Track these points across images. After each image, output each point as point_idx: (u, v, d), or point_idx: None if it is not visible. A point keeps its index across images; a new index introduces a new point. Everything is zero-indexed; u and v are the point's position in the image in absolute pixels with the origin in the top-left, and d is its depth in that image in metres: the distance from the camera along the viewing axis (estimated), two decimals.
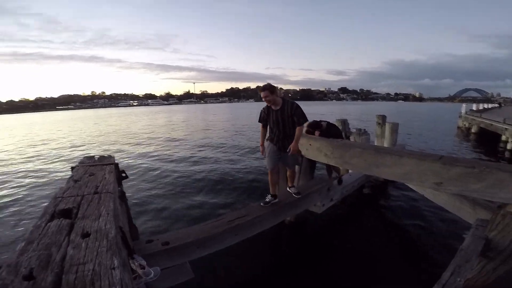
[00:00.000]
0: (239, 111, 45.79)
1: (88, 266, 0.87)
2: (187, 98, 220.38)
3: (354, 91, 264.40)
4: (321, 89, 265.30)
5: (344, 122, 5.86)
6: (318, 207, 3.50)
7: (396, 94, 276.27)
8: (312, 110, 36.80)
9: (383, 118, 6.57)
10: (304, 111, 2.78)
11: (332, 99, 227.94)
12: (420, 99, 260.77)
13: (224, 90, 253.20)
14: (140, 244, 2.07)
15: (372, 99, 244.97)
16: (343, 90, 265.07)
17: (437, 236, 3.66)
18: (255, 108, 61.48)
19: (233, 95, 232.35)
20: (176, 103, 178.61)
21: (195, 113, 42.81)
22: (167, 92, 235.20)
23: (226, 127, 18.92)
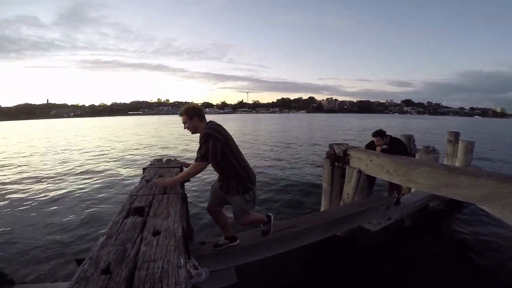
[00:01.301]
0: (289, 122, 45.68)
1: (158, 264, 0.93)
2: (240, 107, 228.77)
3: (420, 104, 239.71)
4: (381, 101, 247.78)
5: (410, 138, 5.35)
6: (373, 225, 3.33)
7: (471, 108, 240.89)
8: (370, 124, 34.63)
9: (455, 135, 5.84)
10: (208, 146, 1.83)
11: (394, 112, 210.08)
12: (502, 114, 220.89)
13: (275, 100, 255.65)
14: (193, 245, 2.18)
15: (442, 114, 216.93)
16: (407, 102, 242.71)
17: None
18: (306, 119, 60.84)
19: (283, 105, 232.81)
20: (230, 112, 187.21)
21: (246, 122, 44.17)
22: (222, 101, 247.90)
23: (282, 137, 19.00)
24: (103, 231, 1.27)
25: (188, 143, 15.07)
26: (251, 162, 8.99)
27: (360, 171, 3.50)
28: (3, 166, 9.76)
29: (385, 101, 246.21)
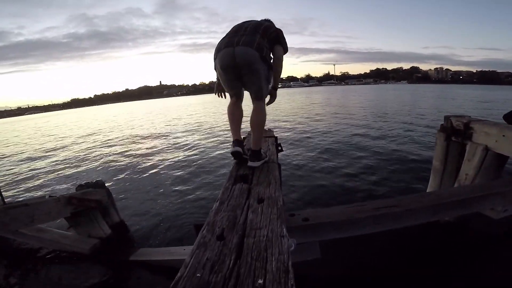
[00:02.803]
0: (387, 93, 40.30)
1: (263, 232, 0.96)
2: (326, 79, 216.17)
3: None
4: None
5: None
6: (496, 212, 2.67)
7: None
8: (498, 97, 27.16)
9: None
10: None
11: None
12: None
13: (368, 71, 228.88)
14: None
15: None
16: None
17: None
18: (408, 90, 52.15)
19: (379, 76, 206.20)
20: (316, 85, 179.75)
21: (332, 94, 41.52)
22: (307, 74, 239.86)
23: (378, 108, 17.23)
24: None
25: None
26: (339, 136, 8.61)
27: (487, 148, 2.83)
28: (135, 137, 12.39)
29: None
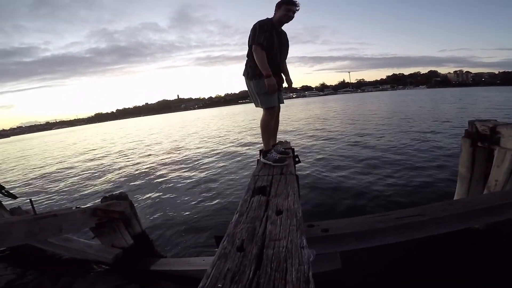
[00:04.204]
0: (405, 98, 39.12)
1: (283, 243, 0.97)
2: (342, 87, 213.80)
3: None
4: None
5: None
6: None
7: None
8: None
9: None
10: None
11: None
12: None
13: (384, 77, 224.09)
14: None
15: None
16: None
17: None
18: (429, 95, 50.40)
19: (396, 81, 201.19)
20: (331, 93, 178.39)
21: (348, 102, 40.91)
22: (321, 83, 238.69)
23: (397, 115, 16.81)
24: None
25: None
26: (359, 146, 8.41)
27: None
28: (156, 151, 12.76)
29: None
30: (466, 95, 41.17)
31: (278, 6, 2.18)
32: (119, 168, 9.27)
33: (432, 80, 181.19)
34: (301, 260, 0.86)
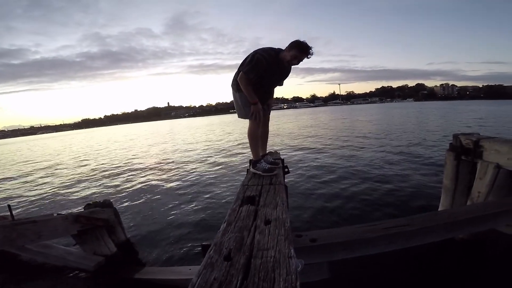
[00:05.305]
0: (393, 113, 40.22)
1: (271, 253, 0.96)
2: (332, 99, 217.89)
3: None
4: None
5: None
6: None
7: None
8: (506, 112, 26.91)
9: None
10: None
11: None
12: None
13: (373, 90, 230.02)
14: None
15: None
16: None
17: None
18: (415, 108, 52.05)
19: (384, 94, 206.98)
20: (321, 105, 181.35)
21: (337, 114, 41.73)
22: (312, 94, 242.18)
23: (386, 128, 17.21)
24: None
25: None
26: (347, 158, 8.53)
27: (498, 166, 2.78)
28: (144, 157, 12.55)
29: None
30: (451, 108, 42.72)
31: (291, 46, 2.10)
32: (108, 177, 9.01)
33: (419, 93, 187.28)
34: (289, 270, 0.85)
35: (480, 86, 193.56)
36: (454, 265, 2.91)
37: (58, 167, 11.90)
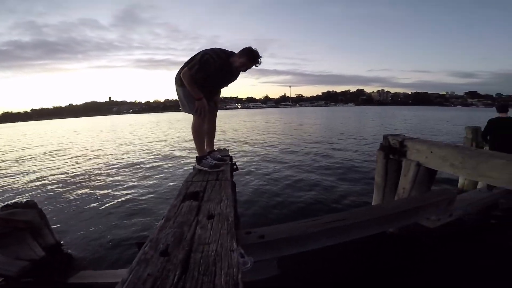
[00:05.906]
0: (336, 115, 43.76)
1: (212, 247, 0.94)
2: (283, 101, 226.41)
3: (488, 96, 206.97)
4: (441, 93, 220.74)
5: (477, 130, 4.80)
6: (432, 221, 3.02)
7: None
8: (429, 116, 31.50)
9: None
10: None
11: (456, 105, 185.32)
12: None
13: (320, 94, 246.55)
14: (239, 235, 2.22)
15: None
16: (472, 94, 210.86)
17: None
18: (354, 112, 57.54)
19: (329, 98, 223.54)
20: (273, 106, 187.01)
21: (288, 116, 43.71)
22: (265, 95, 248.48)
23: (328, 130, 18.47)
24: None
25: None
26: (294, 156, 8.99)
27: (419, 164, 3.20)
28: (78, 157, 11.26)
29: (445, 93, 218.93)
30: (384, 112, 48.68)
31: (242, 53, 2.08)
32: (38, 177, 7.83)
33: (359, 98, 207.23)
34: (231, 263, 0.84)
35: (410, 93, 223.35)
36: (388, 258, 3.21)
37: None
